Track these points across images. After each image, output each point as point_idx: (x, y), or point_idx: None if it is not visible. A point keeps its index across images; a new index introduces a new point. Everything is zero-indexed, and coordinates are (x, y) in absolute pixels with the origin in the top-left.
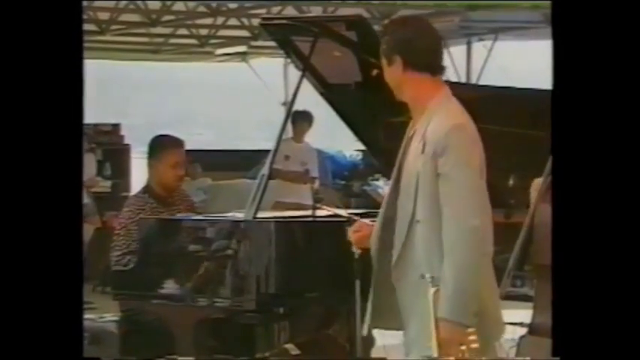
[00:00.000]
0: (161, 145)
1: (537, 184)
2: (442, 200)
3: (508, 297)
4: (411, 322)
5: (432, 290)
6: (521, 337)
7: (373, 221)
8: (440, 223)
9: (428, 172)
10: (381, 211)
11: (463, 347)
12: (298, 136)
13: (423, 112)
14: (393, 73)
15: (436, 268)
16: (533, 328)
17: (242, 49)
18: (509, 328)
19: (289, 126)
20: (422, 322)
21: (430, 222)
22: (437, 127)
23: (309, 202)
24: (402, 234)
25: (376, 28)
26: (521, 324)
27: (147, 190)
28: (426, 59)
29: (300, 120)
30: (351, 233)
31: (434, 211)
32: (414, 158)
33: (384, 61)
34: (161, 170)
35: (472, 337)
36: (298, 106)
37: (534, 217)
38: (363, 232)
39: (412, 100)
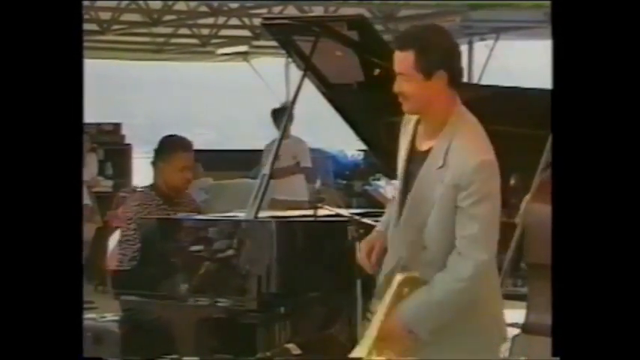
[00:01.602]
0: (170, 147)
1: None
2: (457, 231)
3: (507, 297)
4: None
5: (399, 276)
6: (515, 336)
7: (376, 221)
8: (447, 251)
9: (445, 203)
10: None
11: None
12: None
13: (441, 126)
14: (432, 89)
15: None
16: (526, 327)
17: (243, 48)
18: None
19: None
20: None
21: (437, 251)
22: (463, 158)
23: (305, 197)
24: (402, 249)
25: (377, 27)
26: (515, 324)
27: (154, 187)
28: (462, 73)
29: (280, 117)
30: (364, 254)
31: (442, 243)
32: (431, 181)
33: (416, 74)
34: (168, 172)
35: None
36: (299, 105)
37: (526, 217)
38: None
39: (433, 114)
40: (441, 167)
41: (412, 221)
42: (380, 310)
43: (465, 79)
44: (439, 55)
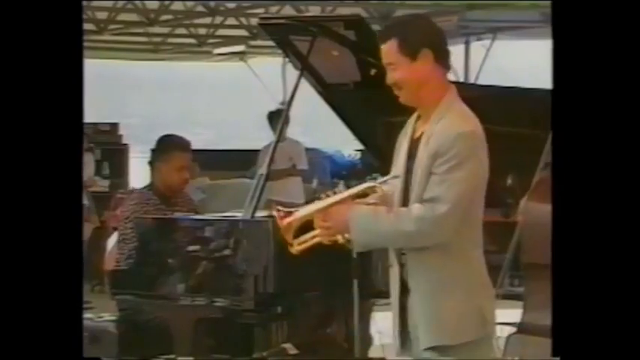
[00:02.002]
0: (168, 147)
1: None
2: (424, 196)
3: (505, 296)
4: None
5: (373, 183)
6: (509, 336)
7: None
8: None
9: (425, 173)
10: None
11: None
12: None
13: (432, 112)
14: (420, 69)
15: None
16: (521, 327)
17: (240, 48)
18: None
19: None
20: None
21: None
22: (446, 128)
23: (301, 200)
24: None
25: (374, 27)
26: (511, 323)
27: (151, 187)
28: (448, 54)
29: (276, 120)
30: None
31: None
32: (420, 162)
33: (403, 59)
34: (166, 172)
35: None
36: (296, 105)
37: (522, 216)
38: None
39: (427, 99)
40: (426, 144)
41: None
42: (342, 194)
43: (461, 79)
44: (420, 35)
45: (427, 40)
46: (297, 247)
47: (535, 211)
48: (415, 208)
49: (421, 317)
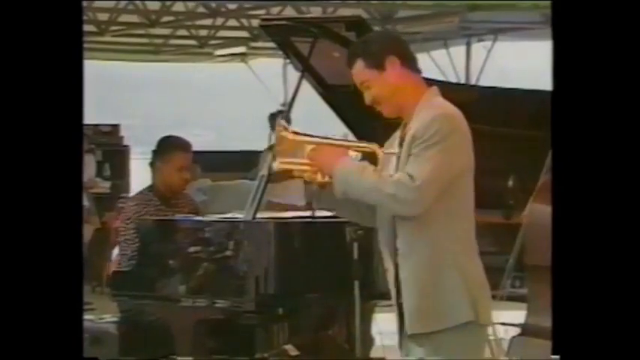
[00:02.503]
0: (169, 147)
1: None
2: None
3: (508, 298)
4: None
5: (367, 144)
6: (513, 337)
7: None
8: None
9: (404, 157)
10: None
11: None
12: None
13: (413, 113)
14: (391, 77)
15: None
16: (525, 329)
17: (241, 49)
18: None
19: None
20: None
21: None
22: (424, 115)
23: (301, 202)
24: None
25: (376, 28)
26: (514, 325)
27: (152, 188)
28: (414, 58)
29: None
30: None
31: None
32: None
33: (372, 73)
34: (167, 172)
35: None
36: (297, 106)
37: (526, 217)
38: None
39: (406, 104)
40: (407, 135)
41: None
42: (342, 140)
43: (462, 80)
44: (381, 45)
45: (389, 47)
46: (279, 164)
47: (540, 213)
48: (397, 175)
49: (406, 305)
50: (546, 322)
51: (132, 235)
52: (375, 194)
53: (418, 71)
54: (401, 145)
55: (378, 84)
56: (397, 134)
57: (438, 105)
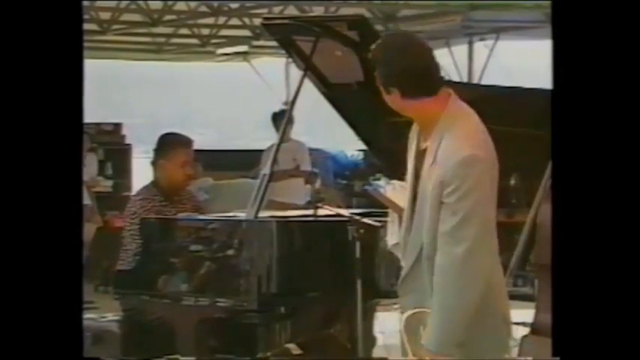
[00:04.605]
0: (170, 144)
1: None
2: (439, 228)
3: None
4: None
5: (403, 317)
6: (524, 337)
7: (378, 221)
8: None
9: (433, 201)
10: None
11: None
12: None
13: (433, 127)
14: (392, 102)
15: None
16: (535, 328)
17: (243, 48)
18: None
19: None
20: None
21: (431, 246)
22: (449, 152)
23: (303, 200)
24: (413, 255)
25: (378, 27)
26: (523, 324)
27: (155, 185)
28: (422, 87)
29: (280, 120)
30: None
31: (435, 238)
32: (428, 181)
33: (381, 88)
34: (169, 169)
35: None
36: (299, 105)
37: (537, 217)
38: None
39: (418, 119)
40: (432, 164)
41: (420, 224)
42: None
43: (465, 79)
44: (389, 74)
45: (393, 79)
46: None
47: (550, 212)
48: (440, 250)
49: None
50: None
51: (137, 230)
52: (452, 301)
53: (429, 95)
54: (421, 153)
55: (385, 98)
56: (413, 135)
57: (461, 136)
